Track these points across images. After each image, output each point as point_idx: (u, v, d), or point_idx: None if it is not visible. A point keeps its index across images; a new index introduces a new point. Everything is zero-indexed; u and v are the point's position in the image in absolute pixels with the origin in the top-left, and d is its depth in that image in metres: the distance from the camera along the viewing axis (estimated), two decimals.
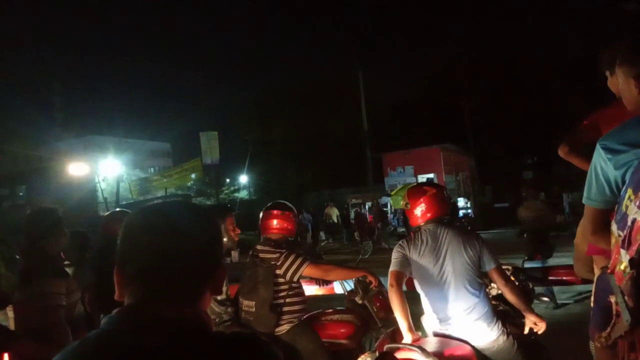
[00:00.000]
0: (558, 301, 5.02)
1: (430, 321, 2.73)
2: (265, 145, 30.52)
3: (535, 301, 3.23)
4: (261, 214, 3.34)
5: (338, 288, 3.93)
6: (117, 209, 4.14)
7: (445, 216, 2.84)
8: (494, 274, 2.73)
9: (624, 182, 1.30)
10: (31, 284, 2.43)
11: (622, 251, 1.21)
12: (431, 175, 25.34)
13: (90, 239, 4.01)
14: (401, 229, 18.11)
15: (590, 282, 2.45)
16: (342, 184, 27.69)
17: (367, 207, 21.25)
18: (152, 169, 40.33)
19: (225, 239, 3.27)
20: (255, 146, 27.74)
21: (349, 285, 3.45)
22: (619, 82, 1.50)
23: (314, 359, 3.00)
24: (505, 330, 2.64)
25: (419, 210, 2.82)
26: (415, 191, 2.89)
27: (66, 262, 3.39)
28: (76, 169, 18.13)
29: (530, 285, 3.23)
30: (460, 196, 24.11)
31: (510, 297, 2.69)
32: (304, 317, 3.20)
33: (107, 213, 4.78)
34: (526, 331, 2.65)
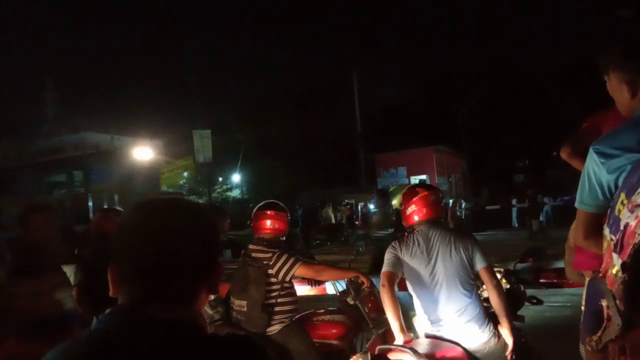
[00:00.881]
0: (548, 304, 5.05)
1: (421, 322, 2.73)
2: (259, 144, 30.44)
3: (527, 304, 3.24)
4: (254, 214, 3.33)
5: (330, 288, 3.93)
6: (107, 207, 4.08)
7: (439, 218, 2.85)
8: (483, 274, 2.70)
9: (616, 187, 1.30)
10: (17, 280, 2.41)
11: (615, 255, 1.22)
12: (424, 177, 25.45)
13: (79, 236, 3.98)
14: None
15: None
16: (335, 184, 27.70)
17: (359, 207, 21.25)
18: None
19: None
20: (249, 145, 27.67)
21: (341, 285, 3.45)
22: (613, 87, 1.51)
23: None
24: (496, 332, 2.65)
25: (412, 212, 2.83)
26: (409, 192, 2.89)
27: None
28: (141, 153, 16.97)
29: (522, 288, 3.24)
30: (452, 198, 24.20)
31: (494, 299, 2.65)
32: (296, 317, 3.20)
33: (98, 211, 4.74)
34: (509, 347, 2.62)
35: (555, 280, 3.69)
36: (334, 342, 3.20)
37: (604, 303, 1.28)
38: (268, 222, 3.25)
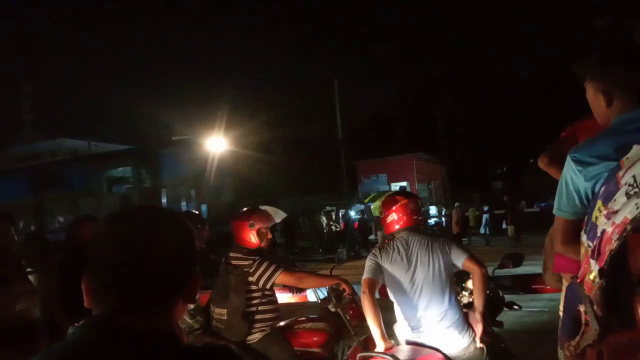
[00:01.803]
0: (527, 309, 5.11)
1: (402, 329, 2.74)
2: (238, 150, 30.24)
3: (505, 309, 3.28)
4: (233, 223, 3.28)
5: (311, 296, 3.91)
6: (83, 215, 3.94)
7: (419, 225, 2.87)
8: (468, 264, 2.64)
9: (593, 194, 1.33)
10: None
11: (592, 261, 1.24)
12: (404, 184, 25.65)
13: (51, 244, 3.88)
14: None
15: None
16: (316, 191, 27.69)
17: (340, 214, 21.27)
18: None
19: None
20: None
21: (322, 293, 3.44)
22: (590, 96, 1.54)
23: None
24: (475, 337, 2.67)
25: (392, 219, 2.84)
26: (389, 200, 2.91)
27: (28, 269, 3.27)
28: (215, 144, 15.64)
29: (501, 294, 3.28)
30: (432, 204, 24.45)
31: (477, 287, 2.61)
32: (277, 325, 3.17)
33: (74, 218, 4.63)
34: (478, 333, 2.65)
35: (533, 286, 3.74)
36: (316, 349, 3.18)
37: (582, 308, 1.30)
38: (246, 232, 3.21)
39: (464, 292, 3.13)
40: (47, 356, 0.82)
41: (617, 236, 1.14)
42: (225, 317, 3.02)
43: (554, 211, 1.53)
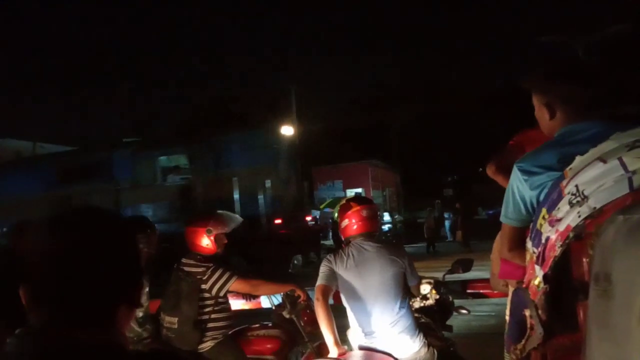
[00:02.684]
0: (475, 313, 5.25)
1: (355, 335, 2.75)
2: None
3: (454, 313, 3.36)
4: (186, 229, 3.20)
5: (265, 302, 3.87)
6: (22, 220, 3.48)
7: (374, 232, 2.88)
8: (414, 290, 3.01)
9: (538, 202, 1.38)
10: None
11: (537, 267, 1.28)
12: (359, 190, 25.88)
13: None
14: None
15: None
16: None
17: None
18: None
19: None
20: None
21: (277, 299, 3.41)
22: (536, 108, 1.61)
23: None
24: (426, 342, 2.72)
25: (348, 225, 2.85)
26: (344, 206, 2.92)
27: None
28: (287, 129, 14.28)
29: (450, 298, 3.35)
30: (386, 211, 24.80)
31: None
32: (229, 332, 3.12)
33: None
34: None
35: (481, 291, 3.84)
36: (269, 357, 3.14)
37: (527, 313, 1.35)
38: (203, 238, 3.15)
39: (415, 297, 3.19)
40: None
41: (560, 243, 1.19)
42: (175, 326, 2.93)
43: (501, 219, 1.58)
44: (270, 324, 3.30)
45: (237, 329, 3.24)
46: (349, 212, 2.85)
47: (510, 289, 2.43)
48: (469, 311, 3.34)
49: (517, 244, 1.51)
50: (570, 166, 1.22)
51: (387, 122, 32.03)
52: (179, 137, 16.24)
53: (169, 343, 2.95)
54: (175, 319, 2.93)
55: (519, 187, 1.46)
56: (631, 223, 0.95)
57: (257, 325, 3.30)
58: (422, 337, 2.71)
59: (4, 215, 11.80)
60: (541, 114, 1.58)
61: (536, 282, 1.28)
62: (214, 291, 2.98)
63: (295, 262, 3.47)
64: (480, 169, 2.84)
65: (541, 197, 1.36)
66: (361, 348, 2.70)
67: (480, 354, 3.74)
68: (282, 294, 3.20)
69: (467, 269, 3.43)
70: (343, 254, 2.76)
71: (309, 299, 3.13)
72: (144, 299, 3.08)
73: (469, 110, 32.98)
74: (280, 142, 14.62)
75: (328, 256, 2.82)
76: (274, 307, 3.39)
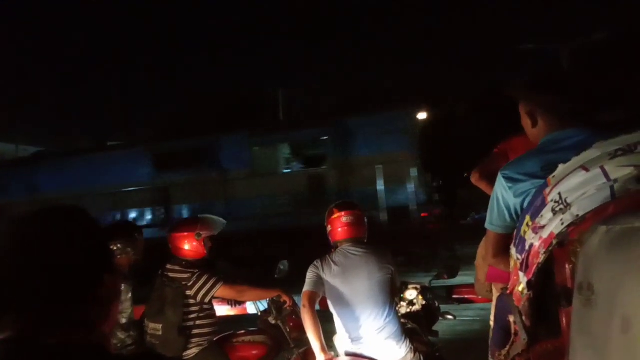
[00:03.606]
0: (460, 319, 5.28)
1: (342, 341, 2.74)
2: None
3: (440, 319, 3.38)
4: (175, 234, 3.17)
5: (251, 308, 3.85)
6: None
7: (360, 237, 2.88)
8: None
9: (522, 209, 1.40)
10: None
11: (521, 274, 1.30)
12: None
13: None
14: None
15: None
16: None
17: None
18: None
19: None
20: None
21: (263, 305, 3.39)
22: (520, 116, 1.64)
23: None
24: (412, 347, 2.73)
25: (332, 230, 2.85)
26: (330, 212, 2.92)
27: None
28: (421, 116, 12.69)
29: (437, 304, 3.37)
30: None
31: None
32: (215, 338, 3.09)
33: None
34: None
35: (466, 296, 3.87)
36: None
37: (512, 319, 1.36)
38: (186, 243, 3.12)
39: (402, 303, 3.20)
40: None
41: (543, 250, 1.21)
42: (160, 333, 2.90)
43: (486, 225, 1.60)
44: (256, 330, 3.28)
45: (222, 335, 3.21)
46: (332, 218, 2.85)
47: (495, 295, 2.46)
48: (454, 316, 3.36)
49: (502, 250, 1.53)
50: (554, 174, 1.23)
51: None
52: (308, 119, 13.54)
53: (153, 350, 2.91)
54: (160, 326, 2.90)
55: (504, 194, 1.48)
56: (613, 234, 0.97)
57: (242, 332, 3.28)
58: (408, 342, 2.71)
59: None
60: (525, 122, 1.61)
61: (520, 288, 1.30)
62: (199, 297, 2.95)
63: (282, 267, 3.42)
64: (465, 175, 2.87)
65: (525, 204, 1.37)
66: (348, 354, 2.69)
67: (465, 358, 3.77)
68: (267, 299, 3.18)
69: (452, 275, 3.46)
70: (330, 259, 2.75)
71: (295, 305, 3.12)
72: (127, 305, 3.04)
73: (454, 115, 33.32)
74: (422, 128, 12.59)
75: (315, 262, 2.81)
76: (259, 313, 3.37)
